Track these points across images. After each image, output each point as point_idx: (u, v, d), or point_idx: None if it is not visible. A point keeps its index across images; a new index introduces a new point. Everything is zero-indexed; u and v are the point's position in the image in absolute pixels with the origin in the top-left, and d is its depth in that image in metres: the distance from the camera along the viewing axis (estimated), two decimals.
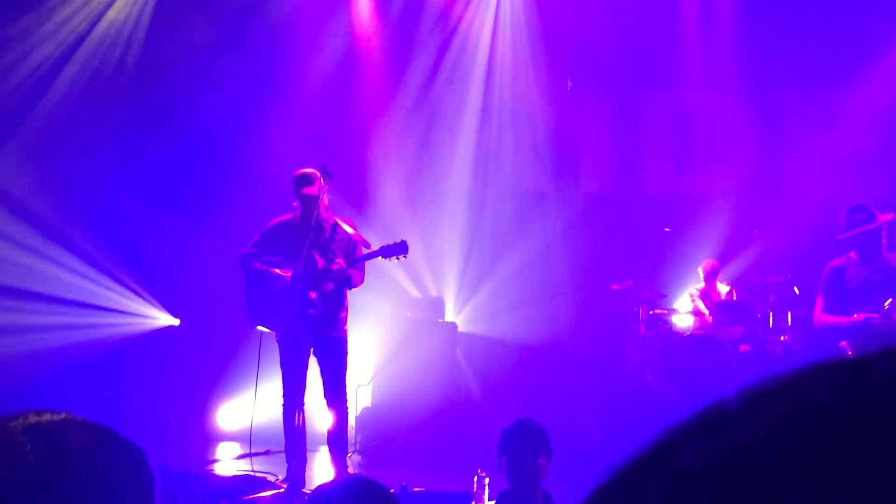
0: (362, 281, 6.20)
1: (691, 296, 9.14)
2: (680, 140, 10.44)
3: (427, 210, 9.89)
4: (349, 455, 6.96)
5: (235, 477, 6.46)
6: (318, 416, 6.48)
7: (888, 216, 6.01)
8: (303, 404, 6.19)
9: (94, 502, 1.12)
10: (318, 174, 6.09)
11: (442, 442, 7.76)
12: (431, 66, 10.20)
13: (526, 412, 4.49)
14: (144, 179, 9.26)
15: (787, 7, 9.86)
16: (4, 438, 1.14)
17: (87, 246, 9.25)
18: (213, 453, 8.31)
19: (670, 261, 9.61)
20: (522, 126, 10.26)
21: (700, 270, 9.16)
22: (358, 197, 9.42)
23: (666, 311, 8.92)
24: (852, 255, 6.05)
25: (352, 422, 7.71)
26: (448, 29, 10.26)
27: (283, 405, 6.19)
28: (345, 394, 6.22)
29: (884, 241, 5.96)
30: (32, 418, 1.18)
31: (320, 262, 6.02)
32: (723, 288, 9.09)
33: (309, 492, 5.81)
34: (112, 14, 9.63)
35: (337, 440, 6.19)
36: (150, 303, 9.55)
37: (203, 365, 9.25)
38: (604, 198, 10.34)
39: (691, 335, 8.39)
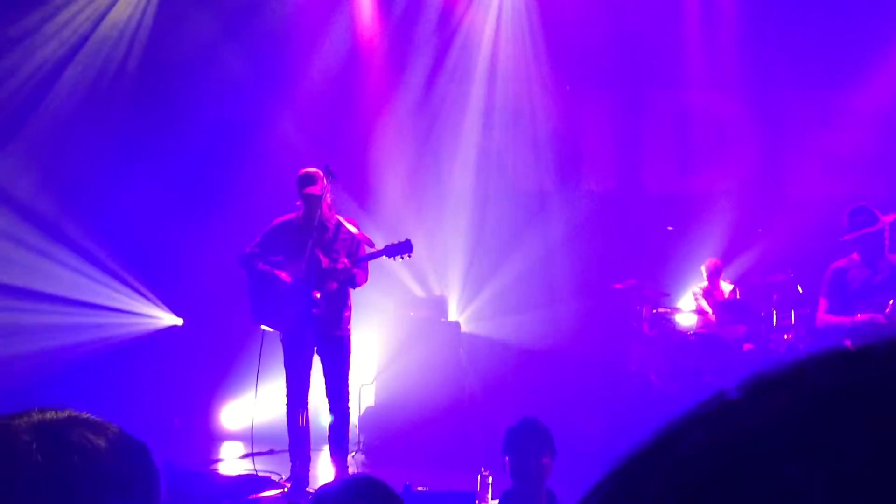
0: (366, 280, 6.21)
1: (694, 294, 9.14)
2: (682, 140, 10.44)
3: (431, 209, 9.89)
4: (352, 454, 6.97)
5: (239, 476, 6.47)
6: (322, 415, 6.48)
7: (889, 217, 6.03)
8: (306, 403, 6.20)
9: (99, 500, 1.12)
10: (321, 174, 6.09)
11: (445, 441, 7.76)
12: (434, 65, 10.20)
13: (529, 411, 4.49)
14: (148, 179, 9.26)
15: (789, 7, 9.86)
16: (9, 437, 1.15)
17: (91, 245, 9.26)
18: (217, 453, 8.32)
19: (673, 260, 9.61)
20: (525, 126, 10.26)
21: (703, 269, 9.16)
22: (362, 196, 9.42)
23: (669, 310, 8.92)
24: (855, 256, 6.08)
25: (355, 421, 7.72)
26: (450, 28, 10.26)
27: (287, 404, 6.19)
28: (347, 393, 6.23)
29: (886, 242, 5.98)
30: (36, 416, 1.18)
31: (324, 262, 6.02)
32: (726, 287, 9.09)
33: (312, 491, 5.82)
34: (115, 14, 9.64)
35: (339, 439, 6.20)
36: (154, 303, 9.56)
37: (206, 364, 9.26)
38: (607, 197, 10.34)
39: (694, 334, 8.39)
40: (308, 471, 6.24)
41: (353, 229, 6.15)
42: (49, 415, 1.19)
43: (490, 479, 5.00)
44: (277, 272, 6.10)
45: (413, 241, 6.17)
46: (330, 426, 6.22)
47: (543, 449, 3.82)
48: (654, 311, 8.77)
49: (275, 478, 6.34)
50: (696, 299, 9.06)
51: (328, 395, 6.16)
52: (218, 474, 7.08)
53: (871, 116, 9.66)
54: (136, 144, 9.34)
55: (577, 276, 9.76)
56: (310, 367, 6.17)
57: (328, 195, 6.13)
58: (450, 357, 8.60)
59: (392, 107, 10.09)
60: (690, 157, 10.40)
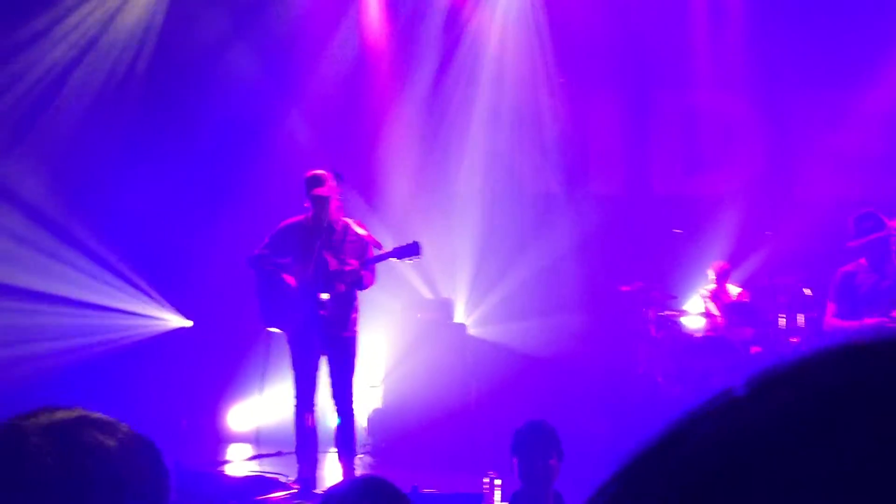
0: (374, 282, 6.22)
1: (702, 297, 9.11)
2: (689, 141, 10.42)
3: (438, 211, 9.89)
4: (359, 456, 6.97)
5: (247, 477, 6.49)
6: (329, 416, 6.49)
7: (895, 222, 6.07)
8: (314, 405, 6.21)
9: (111, 501, 1.14)
10: (330, 176, 6.11)
11: (453, 443, 7.76)
12: (441, 66, 10.21)
13: (537, 413, 4.49)
14: (156, 181, 9.29)
15: (797, 8, 9.84)
16: (21, 439, 1.16)
17: (99, 247, 9.30)
18: (225, 454, 8.34)
19: (680, 262, 9.59)
20: (531, 127, 10.25)
21: (710, 272, 9.14)
22: (370, 197, 9.43)
23: (676, 313, 8.90)
24: (862, 261, 6.12)
25: (363, 423, 7.72)
26: (457, 29, 10.26)
27: (295, 406, 6.21)
28: (353, 394, 6.24)
29: (893, 247, 6.01)
30: (47, 417, 1.19)
31: (332, 264, 6.04)
32: (733, 289, 9.06)
33: (320, 492, 5.83)
34: (124, 17, 9.68)
35: (346, 441, 6.21)
36: (162, 305, 9.59)
37: (214, 366, 9.28)
38: (613, 199, 10.32)
39: (702, 337, 8.37)
40: (315, 472, 6.25)
41: (361, 231, 6.16)
42: (60, 415, 1.20)
43: (497, 481, 5.01)
44: (285, 275, 6.11)
45: (421, 243, 6.18)
46: (337, 428, 6.23)
47: (551, 451, 3.82)
48: (661, 313, 8.76)
49: (282, 479, 6.35)
50: (704, 302, 9.04)
51: (335, 396, 6.17)
52: (225, 475, 7.10)
53: (879, 117, 9.63)
54: (144, 146, 9.37)
55: (584, 278, 9.74)
56: (317, 369, 6.18)
57: (336, 197, 6.15)
58: (456, 359, 8.61)
59: (399, 108, 10.10)
60: (698, 159, 10.38)
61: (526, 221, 10.03)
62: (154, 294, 9.55)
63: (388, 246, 6.24)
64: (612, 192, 10.43)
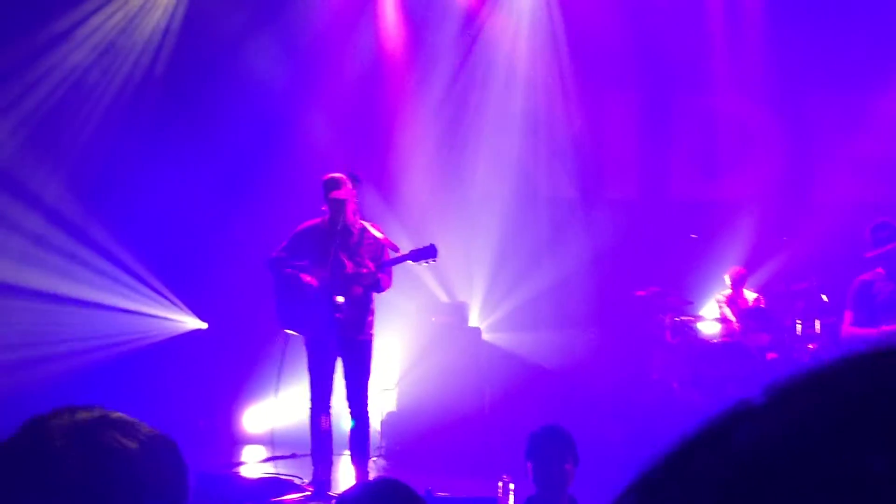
0: (390, 284, 6.24)
1: (718, 302, 9.08)
2: (707, 145, 10.38)
3: (455, 214, 9.89)
4: (373, 459, 6.98)
5: (262, 479, 6.51)
6: (343, 419, 6.50)
7: None
8: (329, 408, 6.23)
9: (131, 499, 1.15)
10: (347, 179, 6.13)
11: (467, 446, 7.76)
12: (458, 70, 10.22)
13: (552, 418, 4.49)
14: (173, 183, 9.35)
15: (816, 11, 9.79)
16: (42, 438, 1.17)
17: (117, 249, 9.36)
18: (240, 456, 8.37)
19: (697, 267, 9.56)
20: (548, 131, 10.24)
21: (727, 277, 9.10)
22: (387, 199, 9.44)
23: (692, 318, 8.87)
24: (880, 270, 6.14)
25: (376, 426, 7.73)
26: (475, 33, 10.27)
27: (310, 408, 6.22)
28: (367, 397, 6.25)
29: None
30: (67, 417, 1.20)
31: (349, 266, 6.05)
32: (750, 295, 9.02)
33: (335, 495, 5.84)
34: (143, 20, 9.74)
35: (360, 444, 6.22)
36: (178, 306, 9.64)
37: (230, 368, 9.31)
38: (630, 203, 10.30)
39: (718, 342, 8.34)
40: (330, 475, 6.26)
41: (377, 234, 6.18)
42: (81, 415, 1.21)
43: (512, 486, 5.00)
44: (303, 276, 6.14)
45: (437, 246, 6.19)
46: (351, 431, 6.24)
47: (566, 455, 3.82)
48: (677, 318, 8.73)
49: (297, 481, 6.37)
50: (720, 307, 9.00)
51: (349, 399, 6.18)
52: (241, 477, 7.12)
53: None
54: (162, 148, 9.43)
55: (600, 284, 9.72)
56: (333, 372, 6.19)
57: (353, 200, 6.17)
58: (471, 363, 8.60)
59: (416, 111, 10.12)
60: (715, 163, 10.34)
61: (542, 226, 10.02)
62: (170, 296, 9.60)
63: (405, 248, 6.25)
64: (629, 196, 10.41)
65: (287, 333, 6.29)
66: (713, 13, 10.15)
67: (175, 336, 9.59)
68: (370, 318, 6.21)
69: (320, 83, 9.90)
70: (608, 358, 9.15)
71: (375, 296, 6.26)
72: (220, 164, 9.47)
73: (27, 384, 8.17)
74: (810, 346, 8.00)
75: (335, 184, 6.11)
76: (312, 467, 6.26)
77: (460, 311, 9.21)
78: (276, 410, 6.61)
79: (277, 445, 6.70)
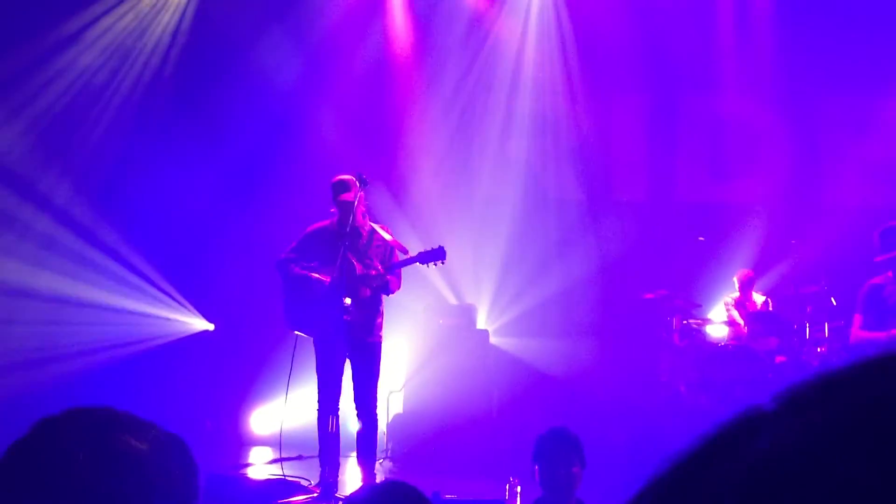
0: (399, 287, 6.24)
1: (726, 305, 9.06)
2: (715, 148, 10.36)
3: (464, 217, 9.89)
4: (380, 461, 6.98)
5: (269, 481, 6.52)
6: (350, 421, 6.51)
7: None
8: (337, 409, 6.23)
9: (141, 499, 1.15)
10: (356, 181, 6.14)
11: (474, 449, 7.76)
12: (467, 72, 10.23)
13: (559, 420, 4.48)
14: (181, 185, 9.38)
15: (824, 13, 9.76)
16: (52, 439, 1.18)
17: (125, 250, 9.39)
18: (247, 457, 8.38)
19: (705, 270, 9.54)
20: (556, 133, 10.24)
21: (735, 280, 9.08)
22: (397, 201, 9.45)
23: (700, 321, 8.85)
24: (890, 274, 6.13)
25: (383, 428, 7.74)
26: (483, 35, 10.27)
27: (318, 410, 6.23)
28: (376, 399, 6.25)
29: None
30: (79, 418, 1.21)
31: (358, 268, 6.06)
32: (758, 298, 9.00)
33: (342, 497, 5.85)
34: (153, 22, 9.78)
35: (367, 446, 6.22)
36: (186, 308, 9.66)
37: (237, 369, 9.33)
38: (638, 206, 10.29)
39: (725, 346, 8.32)
40: (337, 477, 6.26)
41: (386, 236, 6.19)
42: (92, 416, 1.22)
43: (519, 488, 5.00)
44: (312, 276, 6.15)
45: (446, 248, 6.20)
46: (358, 433, 6.25)
47: (573, 458, 3.82)
48: (685, 321, 8.71)
49: (304, 483, 6.37)
50: (728, 310, 8.99)
51: (357, 401, 6.19)
52: (248, 479, 7.13)
53: None
54: (170, 150, 9.46)
55: (608, 288, 9.70)
56: (341, 374, 6.20)
57: (362, 202, 6.18)
58: (478, 365, 8.60)
59: (426, 113, 10.12)
60: (723, 166, 10.32)
61: (550, 229, 10.01)
62: (178, 297, 9.62)
63: (414, 250, 6.26)
64: (638, 199, 10.39)
65: (296, 335, 6.30)
66: (721, 15, 10.13)
67: (183, 337, 9.61)
68: (379, 320, 6.21)
69: (330, 85, 9.91)
70: (616, 361, 9.14)
71: (385, 297, 6.27)
72: (229, 165, 9.50)
73: (35, 385, 8.21)
74: (819, 349, 7.98)
75: (344, 186, 6.12)
76: (319, 469, 6.27)
77: (468, 313, 9.21)
78: (284, 412, 6.61)
79: (286, 447, 6.70)
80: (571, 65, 10.28)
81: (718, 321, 8.93)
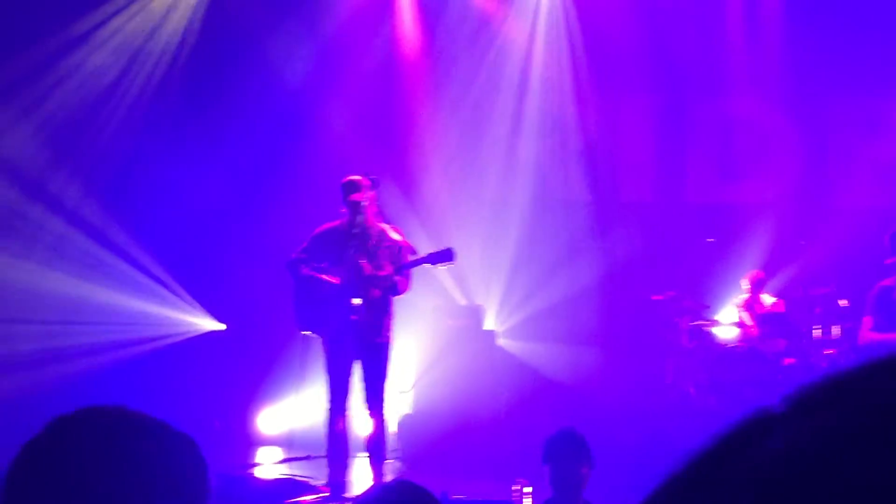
0: (409, 288, 6.25)
1: (735, 306, 9.03)
2: (724, 148, 10.34)
3: (474, 216, 9.90)
4: (389, 462, 6.99)
5: (278, 480, 6.54)
6: (359, 421, 6.52)
7: None
8: (347, 410, 6.24)
9: (152, 495, 1.16)
10: (366, 181, 6.16)
11: (483, 449, 7.76)
12: (475, 72, 10.23)
13: (567, 421, 4.49)
14: (191, 185, 9.40)
15: (834, 13, 9.73)
16: (68, 436, 1.19)
17: (136, 251, 9.42)
18: (255, 457, 8.40)
19: (713, 272, 9.52)
20: (564, 134, 10.23)
21: (744, 281, 9.05)
22: (407, 201, 9.46)
23: (709, 323, 8.83)
24: None
25: (391, 428, 7.74)
26: (491, 35, 10.28)
27: (328, 410, 6.25)
28: (385, 400, 6.26)
29: None
30: (92, 416, 1.22)
31: (367, 269, 6.07)
32: (768, 299, 8.97)
33: (350, 497, 5.86)
34: (163, 22, 9.81)
35: (376, 446, 6.23)
36: (196, 308, 9.69)
37: (246, 370, 9.35)
38: (646, 207, 10.27)
39: (734, 347, 8.30)
40: (346, 477, 6.28)
41: (396, 237, 6.20)
42: (105, 415, 1.23)
43: (527, 489, 5.00)
44: (322, 277, 6.16)
45: (454, 249, 6.21)
46: (368, 433, 6.26)
47: (582, 459, 3.82)
48: (694, 323, 8.70)
49: (313, 483, 6.39)
50: (737, 312, 8.96)
51: (367, 401, 6.20)
52: (256, 478, 7.15)
53: None
54: (179, 149, 9.48)
55: (616, 289, 9.68)
56: (350, 374, 6.21)
57: (373, 203, 6.20)
58: (486, 366, 8.61)
59: (435, 113, 10.13)
60: (732, 166, 10.29)
61: (559, 230, 9.99)
62: (187, 297, 9.65)
63: (424, 251, 6.28)
64: (646, 200, 10.38)
65: (306, 335, 6.32)
66: (730, 15, 10.11)
67: (192, 337, 9.64)
68: (388, 321, 6.22)
69: (339, 85, 9.92)
70: (624, 362, 9.13)
71: (394, 298, 6.28)
72: (239, 165, 9.52)
73: (46, 384, 8.24)
74: (828, 351, 7.95)
75: (354, 186, 6.14)
76: (328, 469, 6.28)
77: (476, 314, 9.21)
78: (295, 411, 6.64)
79: (296, 447, 6.72)
80: (580, 65, 10.27)
81: (727, 323, 8.90)
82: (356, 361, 6.20)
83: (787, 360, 8.09)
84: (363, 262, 6.09)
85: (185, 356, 9.40)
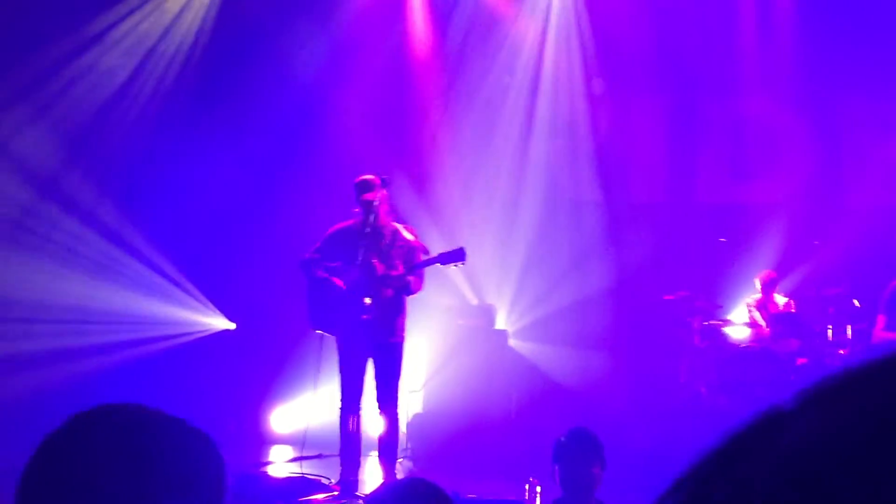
0: (421, 287, 6.26)
1: (748, 306, 9.00)
2: (736, 148, 10.30)
3: (486, 216, 9.90)
4: (399, 461, 7.00)
5: (290, 479, 6.55)
6: (371, 420, 6.53)
7: None
8: (359, 409, 6.26)
9: (170, 495, 1.17)
10: (379, 181, 6.17)
11: (493, 449, 7.76)
12: (486, 72, 10.23)
13: (579, 421, 4.48)
14: (204, 184, 9.43)
15: (846, 12, 9.68)
16: (87, 433, 1.20)
17: (148, 250, 9.46)
18: (266, 455, 8.42)
19: (725, 272, 9.49)
20: (575, 135, 10.22)
21: (757, 281, 9.02)
22: (421, 200, 9.47)
23: (721, 323, 8.81)
24: None
25: (403, 428, 7.76)
26: (502, 35, 10.28)
27: (340, 409, 6.26)
28: (398, 399, 6.27)
29: None
30: (111, 413, 1.23)
31: (379, 268, 6.08)
32: (780, 299, 8.94)
33: (362, 496, 5.87)
34: (176, 22, 9.85)
35: (388, 446, 6.25)
36: (207, 307, 9.72)
37: (257, 369, 9.38)
38: (658, 207, 10.24)
39: (746, 347, 8.27)
40: (357, 475, 6.29)
41: (409, 236, 6.21)
42: (124, 412, 1.24)
43: (538, 489, 5.00)
44: (334, 279, 6.18)
45: (466, 249, 6.21)
46: (379, 432, 6.27)
47: (593, 459, 3.81)
48: (706, 323, 8.67)
49: (324, 481, 6.40)
50: (749, 312, 8.93)
51: (378, 400, 6.22)
52: (268, 476, 7.17)
53: None
54: (191, 149, 9.51)
55: (628, 290, 9.66)
56: (364, 373, 6.23)
57: (386, 202, 6.21)
58: (497, 365, 8.61)
59: (448, 112, 10.13)
60: (744, 166, 10.25)
61: (570, 230, 9.98)
62: (200, 296, 9.68)
63: (435, 249, 6.29)
64: (657, 200, 10.35)
65: (320, 334, 6.33)
66: (742, 15, 10.07)
67: (204, 336, 9.67)
68: (401, 321, 6.23)
69: (352, 85, 9.93)
70: (636, 363, 9.11)
71: (408, 298, 6.28)
72: (251, 165, 9.55)
73: (59, 382, 8.29)
74: (841, 351, 7.92)
75: (367, 186, 6.15)
76: (340, 467, 6.29)
77: (487, 313, 9.21)
78: (309, 410, 6.66)
79: (309, 445, 6.74)
80: (591, 65, 10.26)
81: (739, 323, 8.88)
82: (369, 361, 6.21)
83: (800, 361, 8.05)
84: (376, 261, 6.10)
85: (197, 355, 9.43)
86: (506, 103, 10.25)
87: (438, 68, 10.23)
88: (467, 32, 10.15)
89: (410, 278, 6.13)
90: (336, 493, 6.14)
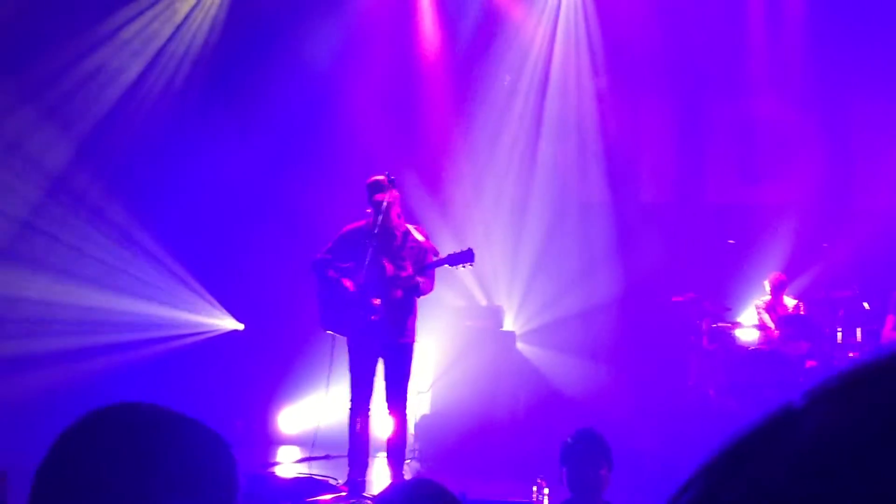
0: (432, 288, 6.26)
1: (757, 308, 8.98)
2: (745, 149, 10.27)
3: (495, 216, 9.90)
4: (407, 462, 7.01)
5: (297, 479, 6.56)
6: (380, 421, 6.54)
7: None
8: (368, 409, 6.26)
9: (182, 492, 1.18)
10: (390, 181, 6.17)
11: (501, 450, 7.76)
12: (495, 73, 10.23)
13: (586, 423, 4.48)
14: (212, 185, 9.45)
15: (856, 13, 9.64)
16: (100, 431, 1.21)
17: (157, 250, 9.48)
18: (274, 456, 8.43)
19: (734, 273, 9.46)
20: (585, 136, 10.21)
21: (766, 283, 8.99)
22: (432, 201, 9.47)
23: (730, 325, 8.78)
24: None
25: (410, 429, 7.76)
26: (511, 37, 10.27)
27: (350, 409, 6.27)
28: (407, 400, 6.28)
29: None
30: (124, 412, 1.24)
31: (389, 269, 6.09)
32: (789, 302, 8.91)
33: (370, 496, 5.87)
34: (187, 22, 9.88)
35: (396, 446, 6.25)
36: (216, 307, 9.74)
37: (266, 369, 9.39)
38: (665, 208, 10.22)
39: (755, 349, 8.25)
40: (365, 476, 6.29)
41: (420, 238, 6.21)
42: (138, 411, 1.24)
43: (546, 490, 5.00)
44: (343, 279, 6.18)
45: (475, 250, 6.21)
46: (388, 433, 6.28)
47: (601, 460, 3.81)
48: (715, 325, 8.65)
49: (332, 482, 6.41)
50: (759, 314, 8.90)
51: (388, 401, 6.22)
52: (276, 477, 7.17)
53: None
54: (201, 149, 9.53)
55: (636, 290, 9.64)
56: (373, 374, 6.23)
57: (397, 203, 6.21)
58: (504, 367, 8.60)
59: (458, 114, 10.13)
60: (753, 168, 10.22)
61: (579, 232, 9.96)
62: (208, 297, 9.70)
63: (445, 250, 6.29)
64: (666, 200, 10.33)
65: (331, 335, 6.34)
66: (751, 15, 10.05)
67: (214, 337, 9.69)
68: (412, 322, 6.23)
69: (362, 86, 9.94)
70: (644, 365, 9.09)
71: (419, 299, 6.28)
72: (260, 165, 9.57)
73: (68, 381, 8.32)
74: (851, 354, 7.89)
75: (379, 186, 6.16)
76: (348, 468, 6.30)
77: (495, 314, 9.21)
78: (321, 410, 6.68)
79: (319, 446, 6.75)
80: (600, 66, 10.24)
81: (748, 325, 8.85)
82: (379, 361, 6.22)
83: (809, 363, 8.03)
84: (386, 262, 6.10)
85: (206, 356, 9.45)
86: (515, 104, 10.25)
87: (448, 70, 10.24)
88: (477, 33, 10.15)
89: (420, 279, 6.13)
90: (344, 493, 6.14)
